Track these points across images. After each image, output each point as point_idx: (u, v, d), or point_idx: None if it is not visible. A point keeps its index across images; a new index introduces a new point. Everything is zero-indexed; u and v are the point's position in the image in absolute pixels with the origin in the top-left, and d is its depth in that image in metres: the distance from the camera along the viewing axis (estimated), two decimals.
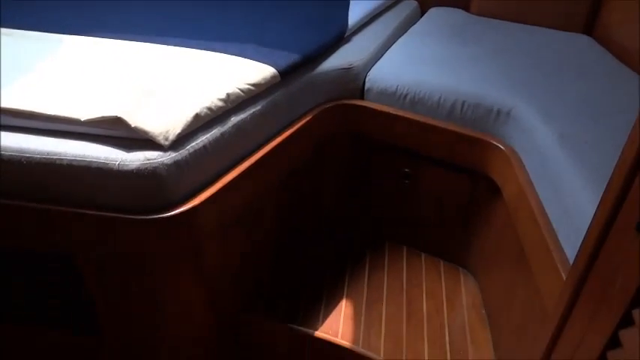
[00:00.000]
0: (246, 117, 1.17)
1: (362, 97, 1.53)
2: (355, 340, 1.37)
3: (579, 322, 0.64)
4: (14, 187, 1.01)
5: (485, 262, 1.50)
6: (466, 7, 2.15)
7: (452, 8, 2.15)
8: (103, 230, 1.02)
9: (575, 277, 0.65)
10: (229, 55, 1.30)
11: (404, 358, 1.33)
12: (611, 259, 0.59)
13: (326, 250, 1.67)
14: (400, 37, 1.80)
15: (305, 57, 1.38)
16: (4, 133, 1.01)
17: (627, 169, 0.56)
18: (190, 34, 1.42)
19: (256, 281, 1.49)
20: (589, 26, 1.92)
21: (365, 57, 1.55)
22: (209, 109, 1.08)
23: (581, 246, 0.66)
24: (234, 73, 1.22)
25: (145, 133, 0.98)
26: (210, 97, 1.11)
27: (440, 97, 1.40)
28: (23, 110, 1.02)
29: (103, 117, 0.99)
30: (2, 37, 1.33)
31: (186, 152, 1.01)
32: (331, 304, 1.47)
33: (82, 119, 1.00)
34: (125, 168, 0.96)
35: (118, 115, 0.98)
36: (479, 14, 2.07)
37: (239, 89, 1.17)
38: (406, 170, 1.54)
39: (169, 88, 1.15)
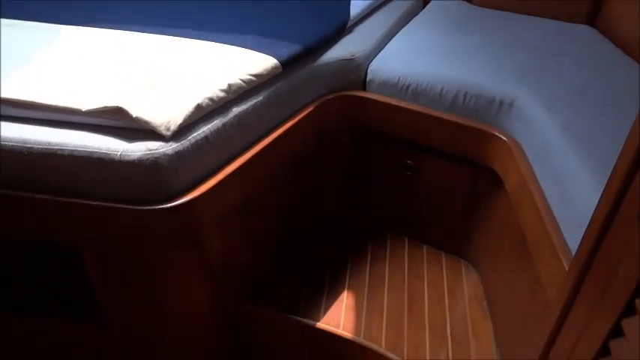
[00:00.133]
0: (248, 108, 1.17)
1: (364, 88, 1.52)
2: (356, 331, 1.37)
3: (581, 312, 0.64)
4: (15, 177, 1.01)
5: (487, 254, 1.50)
6: None
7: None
8: (104, 220, 1.02)
9: (578, 267, 0.65)
10: (230, 46, 1.30)
11: (405, 348, 1.34)
12: (613, 249, 0.59)
13: (327, 241, 1.68)
14: (402, 28, 1.79)
15: (307, 48, 1.37)
16: (4, 124, 1.01)
17: (630, 160, 0.55)
18: (192, 25, 1.42)
19: (258, 272, 1.49)
20: (592, 17, 1.91)
21: (367, 48, 1.54)
22: (210, 99, 1.08)
23: (583, 236, 0.66)
24: (236, 63, 1.22)
25: (147, 123, 0.98)
26: (212, 87, 1.10)
27: (442, 89, 1.39)
28: (24, 100, 1.02)
29: (104, 107, 0.98)
30: (2, 27, 1.33)
31: (188, 143, 1.01)
32: (333, 296, 1.48)
33: (83, 109, 0.99)
34: (126, 158, 0.95)
35: (120, 106, 0.97)
36: (481, 5, 2.06)
37: (240, 80, 1.16)
38: (408, 162, 1.54)
39: (171, 78, 1.14)
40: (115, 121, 1.00)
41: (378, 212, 1.71)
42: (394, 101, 1.46)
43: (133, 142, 0.97)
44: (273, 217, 1.48)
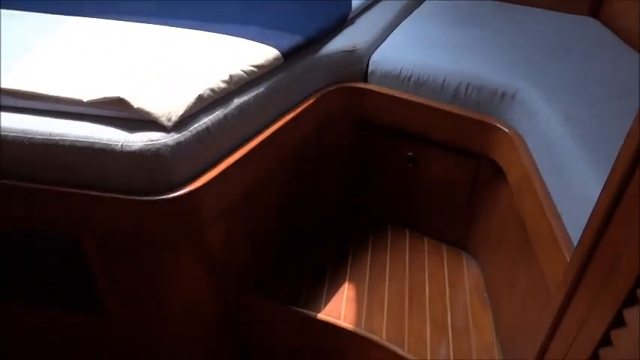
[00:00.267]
0: (249, 99, 1.17)
1: (365, 80, 1.52)
2: (357, 323, 1.38)
3: (583, 302, 0.64)
4: (16, 168, 1.01)
5: (488, 246, 1.50)
6: None
7: None
8: (104, 211, 1.02)
9: (580, 257, 0.65)
10: (232, 37, 1.29)
11: (406, 339, 1.34)
12: (615, 240, 0.59)
13: (328, 232, 1.68)
14: (405, 19, 1.78)
15: (308, 39, 1.37)
16: (6, 114, 1.01)
17: (633, 152, 0.55)
18: (193, 16, 1.41)
19: (259, 263, 1.49)
20: (595, 9, 1.90)
21: (368, 39, 1.53)
22: (212, 90, 1.08)
23: (585, 227, 0.66)
24: (237, 54, 1.21)
25: (148, 114, 0.97)
26: (213, 78, 1.10)
27: (444, 80, 1.39)
28: (25, 91, 1.02)
29: (105, 98, 0.98)
30: (3, 17, 1.33)
31: (189, 134, 1.01)
32: (333, 287, 1.48)
33: (85, 100, 0.99)
34: (128, 149, 0.95)
35: (121, 96, 0.97)
36: None
37: (242, 71, 1.16)
38: (409, 154, 1.53)
39: (172, 69, 1.14)
40: (117, 112, 1.00)
41: (379, 204, 1.71)
42: (396, 93, 1.46)
43: (135, 132, 0.97)
44: (274, 208, 1.48)
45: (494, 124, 1.33)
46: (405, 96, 1.44)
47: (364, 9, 1.74)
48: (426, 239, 1.68)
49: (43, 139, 0.97)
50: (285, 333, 1.47)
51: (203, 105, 1.06)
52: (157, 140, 0.97)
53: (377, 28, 1.62)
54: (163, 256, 1.15)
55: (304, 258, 1.57)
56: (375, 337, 1.34)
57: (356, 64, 1.49)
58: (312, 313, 1.39)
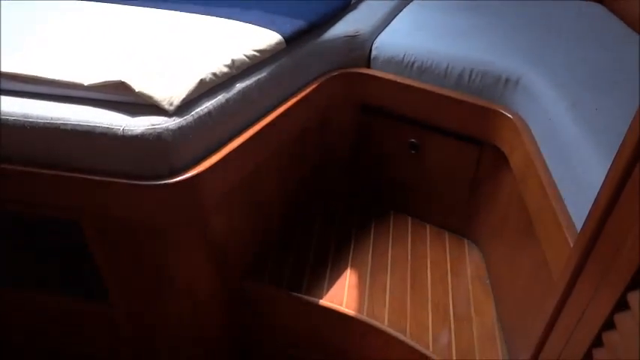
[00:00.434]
0: (252, 84, 1.16)
1: (368, 66, 1.51)
2: (359, 309, 1.38)
3: (586, 286, 0.64)
4: (18, 152, 1.01)
5: (491, 233, 1.50)
6: None
7: None
8: (106, 196, 1.02)
9: (584, 241, 0.65)
10: (234, 21, 1.28)
11: (407, 326, 1.34)
12: (620, 224, 0.58)
13: (330, 219, 1.67)
14: (408, 5, 1.77)
15: (311, 24, 1.36)
16: (7, 98, 1.01)
17: (638, 135, 0.54)
18: (195, 0, 1.40)
19: (261, 251, 1.49)
20: None
21: (372, 24, 1.52)
22: (214, 74, 1.07)
23: (590, 210, 0.65)
24: (239, 39, 1.21)
25: (150, 98, 0.97)
26: (215, 62, 1.09)
27: (448, 66, 1.38)
28: (25, 75, 1.01)
29: (106, 81, 0.98)
30: (3, 1, 1.32)
31: (191, 118, 1.00)
32: (335, 274, 1.48)
33: (86, 84, 0.99)
34: (130, 133, 0.95)
35: (122, 80, 0.97)
36: None
37: (244, 55, 1.15)
38: (412, 140, 1.53)
39: (174, 53, 1.13)
40: (118, 96, 1.00)
41: (381, 190, 1.70)
42: (399, 79, 1.45)
43: (136, 116, 0.97)
44: (275, 193, 1.47)
45: (498, 109, 1.32)
46: (408, 82, 1.43)
47: None
48: (428, 226, 1.68)
49: (44, 123, 0.97)
50: (287, 319, 1.47)
51: (205, 89, 1.06)
52: (159, 124, 0.96)
53: (380, 13, 1.61)
54: (164, 241, 1.15)
55: (306, 244, 1.57)
56: (376, 323, 1.34)
57: (359, 49, 1.48)
58: (314, 299, 1.39)
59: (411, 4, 1.78)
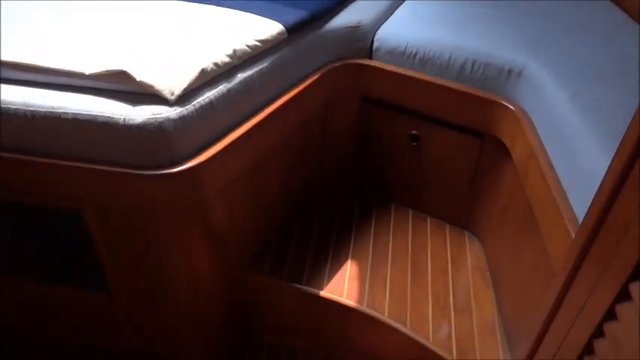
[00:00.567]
0: (253, 74, 1.16)
1: (370, 57, 1.50)
2: (360, 300, 1.38)
3: (588, 277, 0.64)
4: (19, 141, 1.01)
5: (492, 225, 1.50)
6: None
7: None
8: (107, 185, 1.02)
9: (586, 232, 0.65)
10: (236, 11, 1.28)
11: (408, 317, 1.34)
12: (622, 214, 0.58)
13: (331, 210, 1.67)
14: None
15: (312, 14, 1.35)
16: (8, 87, 1.01)
17: None
18: None
19: (262, 241, 1.49)
20: None
21: (373, 15, 1.51)
22: (215, 64, 1.07)
23: (592, 203, 0.65)
24: (241, 28, 1.20)
25: (151, 87, 0.97)
26: (217, 52, 1.09)
27: (450, 57, 1.37)
28: (26, 63, 1.01)
29: (108, 71, 0.97)
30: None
31: (193, 107, 1.00)
32: (336, 265, 1.48)
33: (87, 73, 0.98)
34: (131, 122, 0.95)
35: (123, 69, 0.96)
36: None
37: (246, 45, 1.15)
38: (413, 132, 1.52)
39: (175, 42, 1.13)
40: (119, 85, 0.99)
41: (382, 182, 1.70)
42: (401, 70, 1.44)
43: (137, 106, 0.97)
44: (277, 184, 1.47)
45: (500, 101, 1.31)
46: (410, 73, 1.43)
47: None
48: (428, 218, 1.67)
49: (44, 112, 0.97)
50: (288, 309, 1.47)
51: (206, 79, 1.05)
52: (160, 114, 0.96)
53: (382, 4, 1.60)
54: (165, 231, 1.15)
55: (307, 235, 1.57)
56: (377, 314, 1.35)
57: (361, 40, 1.47)
58: (314, 290, 1.39)
59: None
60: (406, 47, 1.43)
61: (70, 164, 0.99)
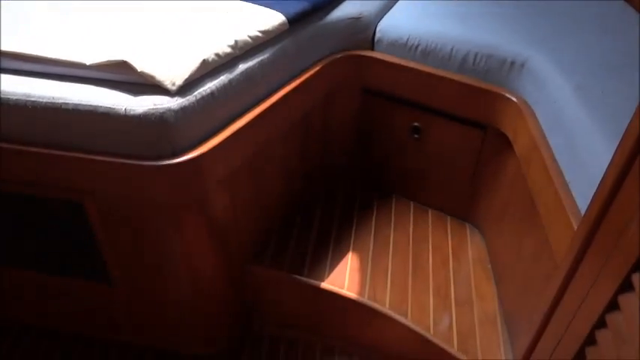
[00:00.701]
0: (254, 65, 1.15)
1: (372, 48, 1.49)
2: (361, 292, 1.38)
3: (590, 268, 0.64)
4: (19, 132, 1.01)
5: (493, 218, 1.49)
6: None
7: None
8: (108, 176, 1.02)
9: (588, 223, 0.64)
10: (237, 1, 1.27)
11: (409, 309, 1.35)
12: (625, 205, 0.58)
13: (332, 202, 1.67)
14: None
15: (314, 5, 1.34)
16: (8, 77, 1.00)
17: None
18: None
19: (263, 234, 1.49)
20: None
21: (375, 7, 1.50)
22: (217, 55, 1.06)
23: (594, 194, 0.65)
24: (243, 19, 1.20)
25: (152, 77, 0.96)
26: (218, 43, 1.09)
27: (452, 49, 1.36)
28: (27, 54, 1.00)
29: (109, 61, 0.97)
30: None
31: (194, 98, 1.00)
32: (337, 257, 1.48)
33: (88, 63, 0.98)
34: (132, 113, 0.95)
35: (124, 60, 0.96)
36: None
37: (247, 36, 1.14)
38: (415, 124, 1.52)
39: (177, 33, 1.12)
40: (120, 76, 0.99)
41: (383, 175, 1.70)
42: (402, 61, 1.43)
43: (139, 96, 0.97)
44: (278, 176, 1.47)
45: (502, 93, 1.31)
46: (411, 65, 1.42)
47: None
48: (430, 210, 1.67)
49: (45, 102, 0.97)
50: (288, 301, 1.47)
51: (208, 70, 1.05)
52: (161, 105, 0.96)
53: None
54: (166, 222, 1.15)
55: (308, 228, 1.57)
56: (378, 306, 1.35)
57: (362, 31, 1.46)
58: (315, 282, 1.40)
59: None
60: (408, 39, 1.42)
61: (71, 155, 0.99)
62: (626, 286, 0.55)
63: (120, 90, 0.98)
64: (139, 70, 0.95)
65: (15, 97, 0.97)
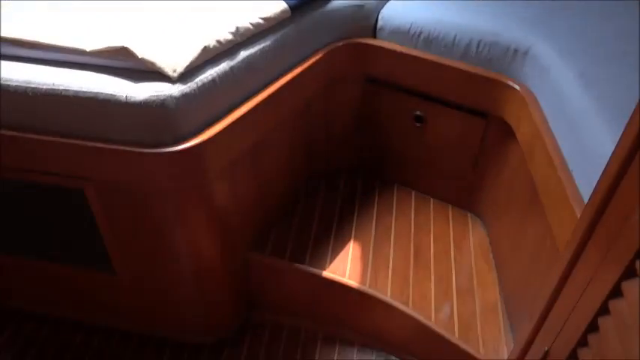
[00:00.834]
0: (256, 52, 1.14)
1: (374, 36, 1.48)
2: (362, 281, 1.38)
3: (593, 255, 0.64)
4: (20, 119, 1.00)
5: (495, 207, 1.49)
6: None
7: None
8: (109, 163, 1.01)
9: (592, 211, 0.64)
10: None
11: (410, 298, 1.35)
12: (628, 194, 0.57)
13: (334, 192, 1.67)
14: None
15: None
16: (8, 64, 1.00)
17: None
18: None
19: (265, 222, 1.49)
20: None
21: None
22: (218, 41, 1.06)
23: (598, 182, 0.65)
24: (244, 6, 1.19)
25: (153, 64, 0.96)
26: (220, 29, 1.08)
27: (455, 36, 1.35)
28: (26, 40, 1.00)
29: (109, 47, 0.97)
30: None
31: (195, 85, 0.99)
32: (338, 246, 1.48)
33: (88, 50, 0.97)
34: (133, 100, 0.94)
35: (125, 46, 0.95)
36: None
37: (249, 23, 1.14)
38: (417, 113, 1.51)
39: (178, 19, 1.12)
40: (121, 62, 0.98)
41: (385, 163, 1.69)
42: (405, 50, 1.42)
43: (140, 83, 0.96)
44: (280, 163, 1.47)
45: (505, 81, 1.30)
46: (414, 53, 1.41)
47: None
48: (431, 199, 1.67)
49: (46, 89, 0.96)
50: (290, 289, 1.48)
51: (209, 56, 1.04)
52: (162, 91, 0.95)
53: None
54: (168, 209, 1.15)
55: (310, 216, 1.57)
56: (379, 294, 1.35)
57: (365, 19, 1.45)
58: (316, 271, 1.40)
59: None
60: (411, 26, 1.41)
61: (72, 142, 0.99)
62: (630, 273, 0.55)
63: (121, 77, 0.97)
64: (139, 57, 0.95)
65: (15, 84, 0.97)
